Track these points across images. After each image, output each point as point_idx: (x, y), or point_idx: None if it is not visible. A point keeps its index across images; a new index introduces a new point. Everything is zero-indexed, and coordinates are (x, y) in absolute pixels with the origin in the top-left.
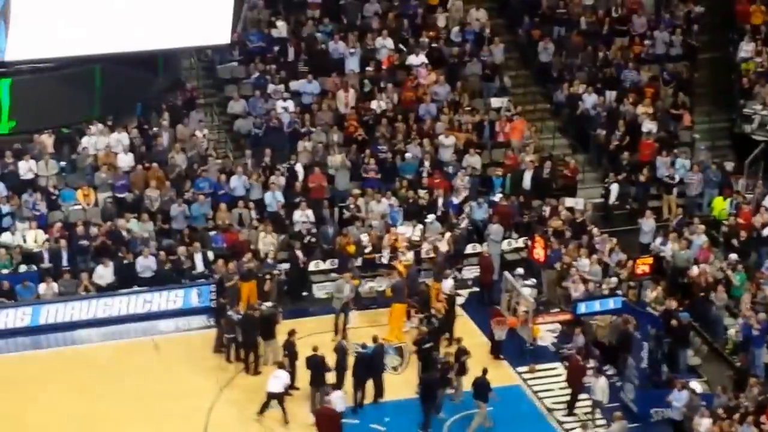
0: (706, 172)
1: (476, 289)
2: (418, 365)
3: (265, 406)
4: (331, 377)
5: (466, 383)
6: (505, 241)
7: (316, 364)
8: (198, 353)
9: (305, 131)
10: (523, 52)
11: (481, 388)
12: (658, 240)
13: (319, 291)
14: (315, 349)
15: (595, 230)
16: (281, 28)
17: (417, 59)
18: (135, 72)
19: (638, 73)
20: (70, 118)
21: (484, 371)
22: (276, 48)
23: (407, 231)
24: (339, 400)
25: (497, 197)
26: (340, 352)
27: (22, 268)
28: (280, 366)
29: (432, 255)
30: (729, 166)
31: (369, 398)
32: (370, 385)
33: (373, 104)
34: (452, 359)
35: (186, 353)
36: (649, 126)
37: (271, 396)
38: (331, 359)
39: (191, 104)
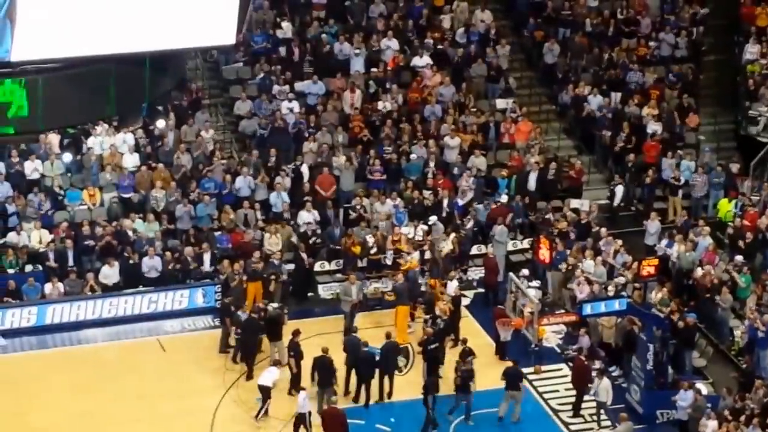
0: (712, 173)
1: (481, 290)
2: (423, 366)
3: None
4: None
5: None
6: (510, 243)
7: (323, 365)
8: (203, 353)
9: (310, 132)
10: (528, 54)
11: (512, 377)
12: (664, 242)
13: (325, 292)
14: (325, 350)
15: (603, 231)
16: (286, 29)
17: (422, 60)
18: (140, 72)
19: (643, 75)
20: (76, 118)
21: (515, 362)
22: (281, 49)
23: (409, 231)
24: (304, 401)
25: (502, 198)
26: (355, 347)
27: (28, 267)
28: (275, 363)
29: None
30: (734, 167)
31: (373, 398)
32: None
33: (379, 105)
34: (471, 366)
35: (191, 353)
36: (654, 127)
37: (260, 389)
38: (338, 360)
39: (196, 105)
